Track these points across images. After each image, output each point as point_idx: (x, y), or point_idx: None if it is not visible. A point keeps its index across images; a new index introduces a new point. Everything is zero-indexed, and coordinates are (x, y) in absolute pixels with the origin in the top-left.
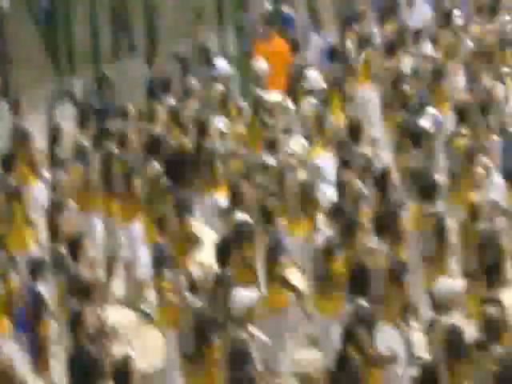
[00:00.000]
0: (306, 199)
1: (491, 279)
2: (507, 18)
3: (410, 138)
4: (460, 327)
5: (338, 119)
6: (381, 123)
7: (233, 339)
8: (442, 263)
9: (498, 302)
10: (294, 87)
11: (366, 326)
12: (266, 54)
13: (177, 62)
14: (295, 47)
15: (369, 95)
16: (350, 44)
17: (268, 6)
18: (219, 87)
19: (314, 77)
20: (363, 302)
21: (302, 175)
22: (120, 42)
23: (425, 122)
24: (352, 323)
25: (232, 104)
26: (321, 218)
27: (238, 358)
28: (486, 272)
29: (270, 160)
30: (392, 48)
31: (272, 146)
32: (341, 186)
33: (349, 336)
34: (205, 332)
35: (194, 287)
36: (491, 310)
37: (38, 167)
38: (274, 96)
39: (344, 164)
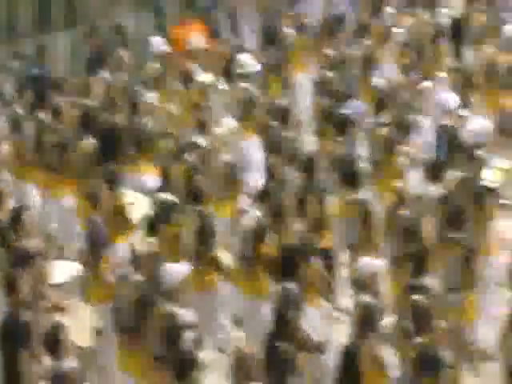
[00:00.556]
0: (231, 181)
1: (416, 266)
2: (443, 10)
3: (334, 125)
4: (375, 305)
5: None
6: (311, 109)
7: (165, 315)
8: (367, 249)
9: (424, 289)
10: (229, 70)
11: (295, 310)
12: (183, 39)
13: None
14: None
15: (301, 81)
16: (285, 29)
17: None
18: (155, 64)
19: (246, 60)
20: (292, 286)
21: (226, 157)
22: (38, 18)
23: (347, 110)
24: (283, 307)
25: (167, 82)
26: (245, 200)
27: (171, 333)
28: (411, 259)
29: (200, 140)
30: (325, 34)
31: (202, 127)
32: (268, 170)
33: (281, 320)
34: (145, 306)
35: (134, 261)
36: (418, 297)
37: None
38: (206, 77)
39: (271, 148)
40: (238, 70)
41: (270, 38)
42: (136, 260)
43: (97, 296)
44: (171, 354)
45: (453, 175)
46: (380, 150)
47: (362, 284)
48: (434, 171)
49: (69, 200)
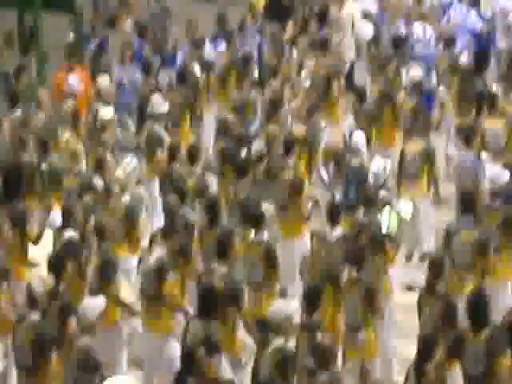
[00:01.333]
0: (130, 222)
1: (310, 304)
2: (340, 52)
3: (235, 167)
4: (291, 350)
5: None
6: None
7: (80, 350)
8: (270, 289)
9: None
10: (142, 111)
11: (210, 349)
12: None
13: None
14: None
15: (208, 121)
16: (196, 68)
17: (72, 36)
18: (71, 102)
19: (157, 101)
20: (210, 324)
21: (125, 199)
22: None
23: (248, 151)
24: (192, 346)
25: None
26: (146, 241)
27: (87, 367)
28: (306, 297)
29: (95, 182)
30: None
31: (99, 165)
32: (169, 210)
33: (188, 359)
34: (42, 346)
35: (31, 300)
36: (320, 336)
37: None
38: (107, 112)
39: (174, 188)
40: (149, 110)
41: (182, 77)
42: (34, 298)
43: None
44: None
45: (353, 218)
46: (286, 193)
47: (277, 328)
48: (334, 213)
49: None
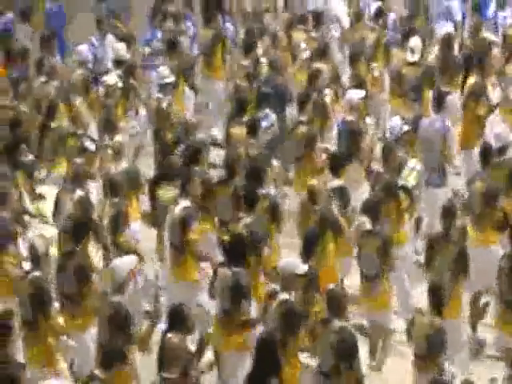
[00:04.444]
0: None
1: (306, 251)
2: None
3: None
4: (295, 303)
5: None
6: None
7: (111, 304)
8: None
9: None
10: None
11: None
12: None
13: None
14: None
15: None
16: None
17: None
18: (81, 71)
19: (163, 71)
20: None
21: (124, 164)
22: None
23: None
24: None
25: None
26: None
27: (121, 323)
28: (303, 244)
29: (88, 144)
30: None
31: (108, 126)
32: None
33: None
34: (42, 301)
35: (34, 258)
36: (333, 287)
37: None
38: (111, 78)
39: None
40: (157, 81)
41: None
42: (36, 257)
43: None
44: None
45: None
46: (300, 147)
47: (283, 282)
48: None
49: None
